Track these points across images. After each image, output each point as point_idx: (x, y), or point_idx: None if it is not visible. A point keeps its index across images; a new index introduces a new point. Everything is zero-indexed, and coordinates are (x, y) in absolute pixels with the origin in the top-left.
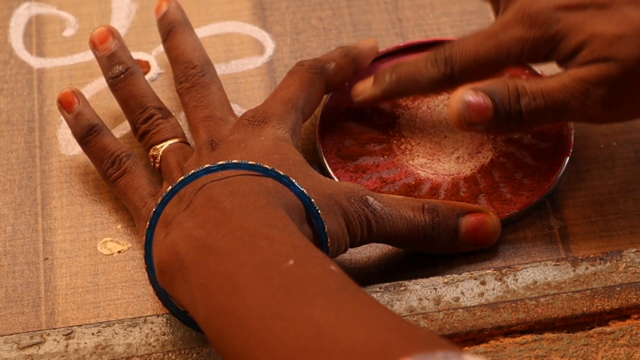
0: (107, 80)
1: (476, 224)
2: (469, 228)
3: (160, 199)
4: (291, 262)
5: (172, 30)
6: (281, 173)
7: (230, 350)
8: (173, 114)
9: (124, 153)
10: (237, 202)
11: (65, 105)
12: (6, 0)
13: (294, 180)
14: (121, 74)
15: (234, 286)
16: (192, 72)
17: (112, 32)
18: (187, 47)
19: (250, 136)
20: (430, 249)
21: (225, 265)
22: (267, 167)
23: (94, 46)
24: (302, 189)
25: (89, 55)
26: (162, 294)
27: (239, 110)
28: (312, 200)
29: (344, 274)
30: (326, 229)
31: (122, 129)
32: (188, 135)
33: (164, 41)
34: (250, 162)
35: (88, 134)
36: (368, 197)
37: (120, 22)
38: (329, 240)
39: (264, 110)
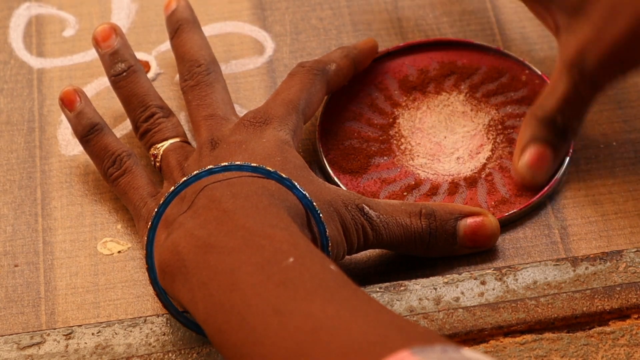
0: (109, 77)
1: (474, 227)
2: (467, 231)
3: (162, 199)
4: (291, 259)
5: (179, 27)
6: (284, 176)
7: (230, 347)
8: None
9: (124, 153)
10: (239, 203)
11: (66, 103)
12: (6, 0)
13: (296, 184)
14: (123, 71)
15: (234, 284)
16: (197, 70)
17: (115, 30)
18: (193, 45)
19: (252, 137)
20: (428, 253)
21: (226, 264)
22: (270, 169)
23: (96, 43)
24: (304, 193)
25: (88, 56)
26: (163, 295)
27: (239, 110)
28: (315, 204)
29: (343, 273)
30: (327, 234)
31: (122, 129)
32: (189, 134)
33: (171, 38)
34: (253, 164)
35: (89, 132)
36: (364, 205)
37: (120, 22)
38: (330, 244)
39: (265, 111)
